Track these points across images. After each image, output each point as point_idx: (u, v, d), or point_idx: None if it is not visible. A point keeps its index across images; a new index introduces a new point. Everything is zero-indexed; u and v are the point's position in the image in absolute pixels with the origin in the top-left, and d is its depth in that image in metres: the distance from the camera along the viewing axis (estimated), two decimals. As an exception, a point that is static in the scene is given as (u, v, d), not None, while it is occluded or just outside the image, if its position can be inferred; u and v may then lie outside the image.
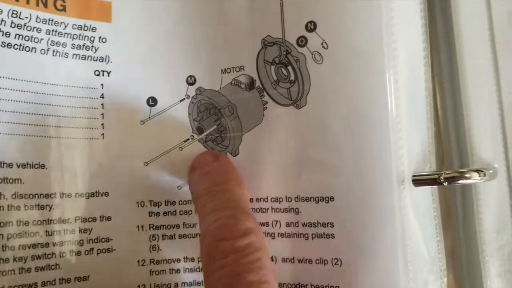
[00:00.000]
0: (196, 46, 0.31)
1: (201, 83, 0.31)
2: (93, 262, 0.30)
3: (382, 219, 0.27)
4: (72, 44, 0.30)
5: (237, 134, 0.31)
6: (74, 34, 0.30)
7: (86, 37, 0.31)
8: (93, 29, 0.31)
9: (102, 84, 0.31)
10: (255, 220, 0.27)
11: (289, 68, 0.29)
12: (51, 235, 0.29)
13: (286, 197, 0.29)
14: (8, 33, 0.28)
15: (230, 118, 0.31)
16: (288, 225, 0.29)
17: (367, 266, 0.27)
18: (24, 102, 0.29)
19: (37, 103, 0.29)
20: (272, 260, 0.30)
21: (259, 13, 0.30)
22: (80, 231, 0.30)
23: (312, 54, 0.28)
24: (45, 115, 0.29)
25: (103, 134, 0.31)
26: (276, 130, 0.30)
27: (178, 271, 0.31)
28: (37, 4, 0.29)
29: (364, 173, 0.28)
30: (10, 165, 0.28)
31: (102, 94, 0.31)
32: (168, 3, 0.31)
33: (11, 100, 0.28)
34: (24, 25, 0.29)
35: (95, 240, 0.30)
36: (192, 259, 0.31)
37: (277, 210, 0.30)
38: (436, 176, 0.28)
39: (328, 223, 0.28)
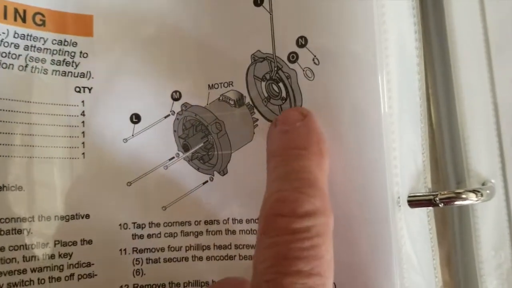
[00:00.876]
0: (182, 60, 0.30)
1: (187, 98, 0.30)
2: (73, 288, 0.28)
3: (377, 241, 0.26)
4: (52, 60, 0.29)
5: (226, 152, 0.30)
6: (54, 50, 0.29)
7: (67, 52, 0.30)
8: (74, 44, 0.30)
9: (83, 101, 0.30)
10: (327, 198, 0.23)
11: (280, 84, 0.28)
12: (29, 260, 0.28)
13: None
14: (-17, 50, 0.27)
15: (218, 135, 0.30)
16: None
17: (362, 291, 0.26)
18: (1, 121, 0.27)
19: (14, 122, 0.28)
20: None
21: (248, 27, 0.29)
22: (59, 255, 0.28)
23: (304, 70, 0.27)
24: (22, 134, 0.28)
25: (83, 153, 0.30)
26: (267, 148, 0.28)
27: (163, 296, 0.30)
28: (15, 19, 0.28)
29: (358, 193, 0.27)
30: (-16, 188, 0.27)
31: (83, 112, 0.30)
32: (152, 17, 0.30)
33: (-13, 120, 0.27)
34: (1, 41, 0.28)
35: (76, 265, 0.29)
36: (178, 285, 0.30)
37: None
38: (432, 197, 0.27)
39: (320, 245, 0.27)
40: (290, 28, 0.28)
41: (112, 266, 0.29)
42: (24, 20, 0.29)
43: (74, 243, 0.29)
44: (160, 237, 0.30)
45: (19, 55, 0.28)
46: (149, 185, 0.30)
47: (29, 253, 0.28)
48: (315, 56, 0.27)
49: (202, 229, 0.30)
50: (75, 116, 0.30)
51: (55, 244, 0.28)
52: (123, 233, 0.30)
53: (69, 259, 0.29)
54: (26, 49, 0.29)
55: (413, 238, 0.27)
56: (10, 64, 0.28)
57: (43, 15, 0.29)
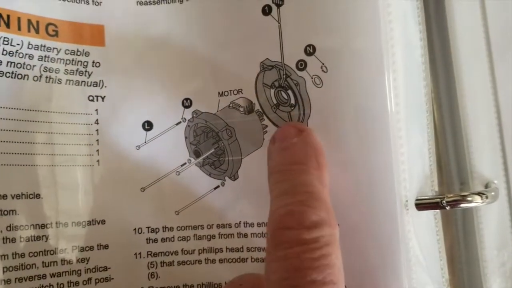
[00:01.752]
0: (193, 69, 0.31)
1: (198, 106, 0.31)
2: (91, 292, 0.29)
3: (386, 245, 0.27)
4: (65, 69, 0.30)
5: (236, 158, 0.30)
6: (67, 60, 0.30)
7: (79, 62, 0.30)
8: (86, 54, 0.30)
9: (96, 110, 0.30)
10: (331, 210, 0.24)
11: (289, 92, 0.29)
12: (48, 266, 0.28)
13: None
14: (-1, 61, 0.28)
15: (229, 142, 0.30)
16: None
17: (371, 293, 0.27)
18: (18, 131, 0.28)
19: (30, 132, 0.29)
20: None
21: (257, 36, 0.29)
22: (77, 261, 0.29)
23: (312, 78, 0.28)
24: (39, 143, 0.29)
25: (98, 161, 0.30)
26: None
27: (178, 298, 0.30)
28: (29, 30, 0.29)
29: (366, 198, 0.27)
30: (4, 197, 0.28)
31: (97, 120, 0.30)
32: (163, 27, 0.31)
33: (4, 130, 0.28)
34: (16, 52, 0.28)
35: (93, 270, 0.29)
36: (192, 286, 0.30)
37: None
38: (439, 200, 0.27)
39: (330, 248, 0.28)
40: (298, 37, 0.28)
41: (128, 270, 0.30)
42: (37, 31, 0.29)
43: (91, 248, 0.30)
44: (173, 241, 0.31)
45: (34, 66, 0.29)
46: (162, 191, 0.31)
47: (48, 258, 0.28)
48: (323, 64, 0.28)
49: (215, 232, 0.31)
50: (89, 124, 0.30)
51: (72, 250, 0.29)
52: (138, 238, 0.30)
53: (87, 263, 0.29)
54: (40, 59, 0.29)
55: (420, 240, 0.28)
56: (25, 75, 0.29)
57: (55, 26, 0.30)
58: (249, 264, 0.30)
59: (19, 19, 0.29)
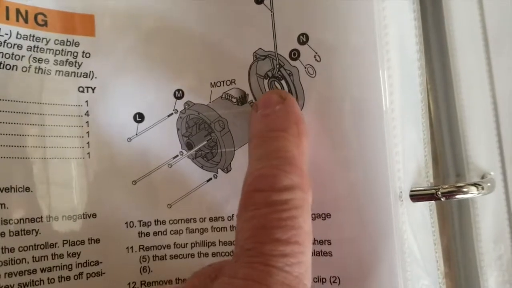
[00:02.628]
0: (184, 59, 0.30)
1: (190, 97, 0.30)
2: (82, 287, 0.29)
3: (380, 236, 0.27)
4: (55, 60, 0.29)
5: (229, 150, 0.30)
6: (56, 50, 0.29)
7: (69, 53, 0.30)
8: (76, 44, 0.30)
9: (86, 101, 0.30)
10: (305, 175, 0.24)
11: (283, 82, 0.28)
12: (38, 261, 0.28)
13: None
14: (-13, 52, 0.27)
15: (221, 133, 0.30)
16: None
17: (366, 285, 0.27)
18: (6, 122, 0.28)
19: (19, 123, 0.28)
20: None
21: (250, 25, 0.29)
22: (68, 255, 0.29)
23: (305, 68, 0.27)
24: (28, 135, 0.28)
25: (89, 153, 0.30)
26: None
27: (170, 292, 0.30)
28: (17, 20, 0.28)
29: (360, 189, 0.27)
30: (-7, 190, 0.27)
31: (87, 112, 0.30)
32: (154, 16, 0.30)
33: (-8, 121, 0.27)
34: (4, 42, 0.28)
35: (84, 264, 0.29)
36: (184, 280, 0.30)
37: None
38: (434, 191, 0.27)
39: (325, 240, 0.28)
40: (291, 26, 0.28)
41: (120, 264, 0.30)
42: (26, 20, 0.29)
43: (82, 242, 0.29)
44: (166, 234, 0.30)
45: (22, 56, 0.28)
46: (154, 183, 0.30)
47: (38, 253, 0.28)
48: (316, 53, 0.27)
49: (207, 225, 0.30)
50: (79, 116, 0.30)
51: (63, 244, 0.29)
52: (129, 231, 0.30)
53: (78, 258, 0.29)
54: (29, 49, 0.28)
55: (415, 232, 0.28)
56: (14, 66, 0.28)
57: (45, 15, 0.29)
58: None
59: (7, 8, 0.28)
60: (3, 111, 0.28)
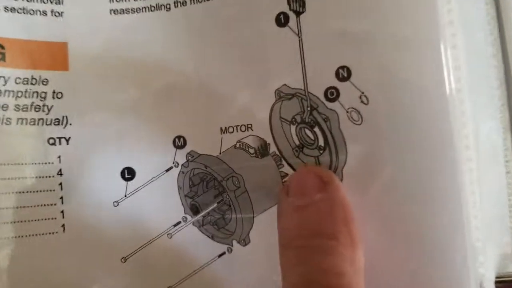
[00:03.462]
0: (185, 97, 0.25)
1: (194, 146, 0.25)
2: None
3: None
4: (16, 105, 0.24)
5: (246, 216, 0.25)
6: (18, 91, 0.24)
7: (35, 94, 0.24)
8: (44, 82, 0.25)
9: (59, 157, 0.25)
10: None
11: (316, 129, 0.23)
12: None
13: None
14: None
15: (236, 194, 0.25)
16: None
17: None
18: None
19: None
20: None
21: (270, 54, 0.24)
22: None
23: (347, 112, 0.22)
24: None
25: (63, 225, 0.25)
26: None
27: None
28: (-37, 55, 0.23)
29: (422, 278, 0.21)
30: None
31: (60, 170, 0.25)
32: (143, 43, 0.26)
33: None
34: None
35: None
36: None
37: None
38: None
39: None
40: (326, 55, 0.23)
41: None
42: (-24, 54, 0.23)
43: None
44: (166, 327, 0.25)
45: (-27, 102, 0.23)
46: (149, 260, 0.25)
47: None
48: (362, 92, 0.22)
49: (220, 314, 0.25)
50: (49, 177, 0.25)
51: None
52: (120, 325, 0.25)
53: None
54: (-20, 93, 0.23)
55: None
56: (-40, 116, 0.22)
57: (2, 47, 0.24)
58: None
59: (-49, 39, 0.23)
60: None
